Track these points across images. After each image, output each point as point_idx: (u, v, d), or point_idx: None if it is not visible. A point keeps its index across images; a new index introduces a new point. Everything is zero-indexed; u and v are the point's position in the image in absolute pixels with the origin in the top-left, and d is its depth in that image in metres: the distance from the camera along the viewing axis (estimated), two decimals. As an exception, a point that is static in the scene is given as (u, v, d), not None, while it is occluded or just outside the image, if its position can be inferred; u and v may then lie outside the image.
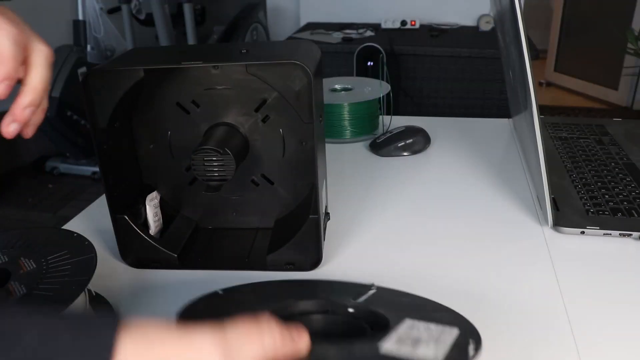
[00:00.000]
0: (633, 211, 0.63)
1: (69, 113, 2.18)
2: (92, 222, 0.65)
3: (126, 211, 0.54)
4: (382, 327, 0.36)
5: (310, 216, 0.53)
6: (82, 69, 2.13)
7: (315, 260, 0.55)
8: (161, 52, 0.56)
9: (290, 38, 2.33)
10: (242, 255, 0.57)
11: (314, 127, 0.50)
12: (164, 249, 0.55)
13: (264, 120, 0.54)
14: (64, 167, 2.33)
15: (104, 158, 0.51)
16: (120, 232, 0.54)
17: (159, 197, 0.58)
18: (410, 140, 0.82)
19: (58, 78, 2.11)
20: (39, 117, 0.41)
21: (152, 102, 0.54)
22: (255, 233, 0.60)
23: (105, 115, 0.50)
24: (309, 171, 0.52)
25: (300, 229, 0.53)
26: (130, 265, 0.56)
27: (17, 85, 0.39)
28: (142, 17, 2.46)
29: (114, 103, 0.49)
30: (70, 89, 2.15)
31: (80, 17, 2.35)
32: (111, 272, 0.55)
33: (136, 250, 0.55)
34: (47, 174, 2.36)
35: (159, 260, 0.55)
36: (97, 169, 2.26)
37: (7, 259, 0.43)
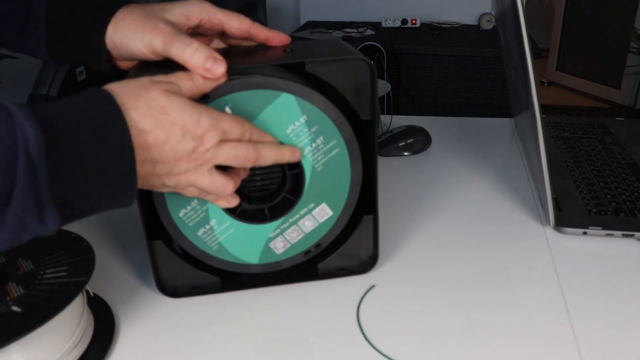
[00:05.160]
0: (636, 211, 0.62)
1: (68, 112, 2.18)
2: (90, 222, 0.65)
3: (161, 235, 0.49)
4: None
5: (365, 216, 0.52)
6: (80, 68, 2.13)
7: (372, 260, 0.54)
8: None
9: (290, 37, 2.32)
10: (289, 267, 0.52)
11: (374, 123, 0.48)
12: (205, 272, 0.51)
13: None
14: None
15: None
16: (157, 260, 0.49)
17: None
18: (411, 140, 0.82)
19: (56, 77, 2.11)
20: None
21: None
22: None
23: None
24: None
25: (354, 231, 0.52)
26: (170, 296, 0.51)
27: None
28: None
29: None
30: (69, 88, 2.15)
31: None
32: (109, 273, 0.55)
33: (174, 278, 0.51)
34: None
35: (199, 285, 0.51)
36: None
37: (4, 260, 0.43)
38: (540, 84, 3.54)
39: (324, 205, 0.49)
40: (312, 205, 0.48)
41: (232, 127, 0.41)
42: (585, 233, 0.60)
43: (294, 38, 0.46)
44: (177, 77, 0.41)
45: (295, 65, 0.46)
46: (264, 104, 0.44)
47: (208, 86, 0.42)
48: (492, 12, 2.34)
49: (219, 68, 0.42)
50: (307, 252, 0.51)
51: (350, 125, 0.46)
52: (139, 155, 0.37)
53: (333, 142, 0.46)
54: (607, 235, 0.59)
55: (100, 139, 0.34)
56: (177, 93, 0.39)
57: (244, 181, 0.47)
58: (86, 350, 0.43)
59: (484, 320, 0.48)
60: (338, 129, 0.46)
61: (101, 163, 0.34)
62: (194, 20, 0.47)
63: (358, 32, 2.34)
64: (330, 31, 2.37)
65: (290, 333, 0.47)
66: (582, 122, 0.90)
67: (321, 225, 0.49)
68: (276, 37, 0.50)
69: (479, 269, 0.55)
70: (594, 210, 0.63)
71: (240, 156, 0.42)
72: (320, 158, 0.46)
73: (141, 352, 0.45)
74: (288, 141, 0.45)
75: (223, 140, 0.40)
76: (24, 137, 0.31)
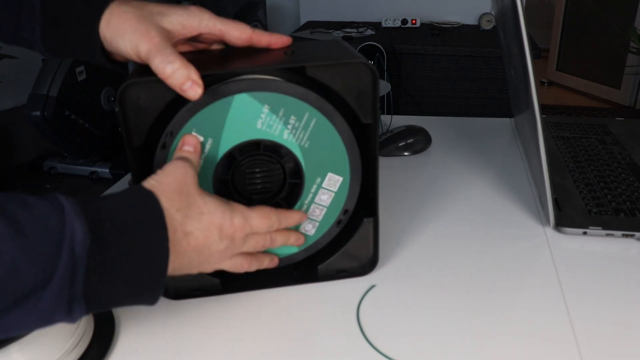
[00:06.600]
0: (636, 211, 0.62)
1: (66, 112, 2.17)
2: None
3: None
4: None
5: (365, 219, 0.52)
6: (80, 68, 2.12)
7: (371, 263, 0.54)
8: (197, 55, 0.49)
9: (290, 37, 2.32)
10: (289, 268, 0.52)
11: (375, 127, 0.48)
12: (205, 275, 0.50)
13: None
14: (61, 167, 2.32)
15: (139, 181, 0.42)
16: None
17: None
18: (411, 140, 0.82)
19: (56, 77, 2.10)
20: None
21: None
22: None
23: (141, 132, 0.45)
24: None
25: (354, 233, 0.52)
26: (171, 299, 0.51)
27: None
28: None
29: (152, 118, 0.45)
30: (69, 88, 2.14)
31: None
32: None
33: (175, 280, 0.49)
34: (45, 173, 2.34)
35: (199, 287, 0.51)
36: (95, 169, 2.24)
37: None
38: (540, 84, 3.54)
39: (330, 175, 0.49)
40: (318, 180, 0.49)
41: (260, 223, 0.44)
42: (585, 233, 0.60)
43: (294, 38, 0.46)
44: (187, 154, 0.43)
45: (296, 69, 0.46)
46: (223, 113, 0.44)
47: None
48: (492, 12, 2.34)
49: (194, 92, 0.42)
50: (338, 222, 0.51)
51: (316, 93, 0.45)
52: (176, 258, 0.39)
53: (306, 115, 0.46)
54: (607, 235, 0.59)
55: (142, 245, 0.36)
56: (206, 192, 0.42)
57: (245, 184, 0.48)
58: (86, 350, 0.43)
59: (483, 320, 0.48)
60: (303, 101, 0.45)
61: (137, 269, 0.36)
62: (191, 31, 0.47)
63: (358, 32, 2.34)
64: (330, 31, 2.37)
65: (290, 333, 0.46)
66: (582, 122, 0.90)
67: (338, 193, 0.50)
68: (277, 41, 0.49)
69: (479, 269, 0.55)
70: (594, 210, 0.63)
71: (259, 246, 0.46)
72: (302, 135, 0.46)
73: (141, 353, 0.45)
74: (264, 136, 0.46)
75: (249, 234, 0.44)
76: (72, 233, 0.32)
